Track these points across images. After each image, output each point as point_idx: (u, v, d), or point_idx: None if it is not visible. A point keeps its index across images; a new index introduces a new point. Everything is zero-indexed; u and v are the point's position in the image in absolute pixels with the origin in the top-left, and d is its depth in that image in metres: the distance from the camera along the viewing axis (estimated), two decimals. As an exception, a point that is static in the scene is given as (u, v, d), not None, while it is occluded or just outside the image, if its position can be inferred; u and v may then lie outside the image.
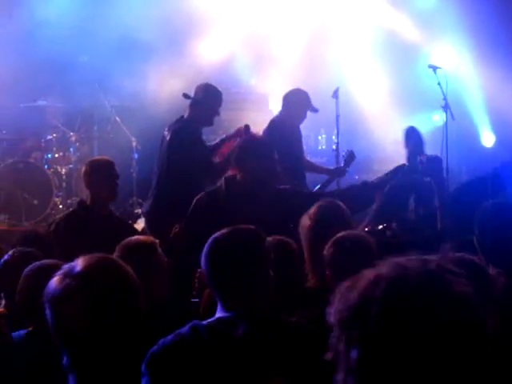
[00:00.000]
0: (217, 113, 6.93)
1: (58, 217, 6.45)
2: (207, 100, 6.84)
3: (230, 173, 5.67)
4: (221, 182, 5.57)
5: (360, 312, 1.37)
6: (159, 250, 4.13)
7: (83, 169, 6.11)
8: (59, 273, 2.26)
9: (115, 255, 3.47)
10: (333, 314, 1.42)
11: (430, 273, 1.40)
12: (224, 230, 3.08)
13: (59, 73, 10.00)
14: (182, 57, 10.12)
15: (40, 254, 4.17)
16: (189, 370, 2.74)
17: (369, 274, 1.41)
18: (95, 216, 5.80)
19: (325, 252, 3.69)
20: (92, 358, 2.22)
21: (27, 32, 9.91)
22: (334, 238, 3.70)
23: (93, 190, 5.86)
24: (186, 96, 6.94)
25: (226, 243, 3.01)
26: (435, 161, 5.05)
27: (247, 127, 6.84)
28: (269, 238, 3.27)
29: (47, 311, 2.24)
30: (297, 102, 7.60)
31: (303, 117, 7.68)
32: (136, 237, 4.37)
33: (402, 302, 1.36)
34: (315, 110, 7.66)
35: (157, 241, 4.23)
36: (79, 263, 2.25)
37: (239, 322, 2.86)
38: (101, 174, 5.85)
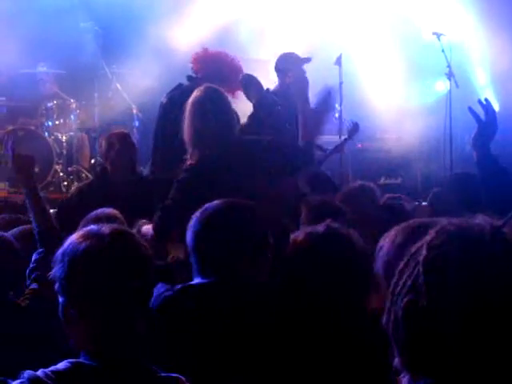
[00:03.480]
0: None
1: (79, 184, 6.61)
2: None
3: None
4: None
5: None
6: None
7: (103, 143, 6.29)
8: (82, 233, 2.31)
9: None
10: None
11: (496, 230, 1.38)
12: (218, 203, 3.14)
13: (59, 39, 9.90)
14: (181, 25, 10.00)
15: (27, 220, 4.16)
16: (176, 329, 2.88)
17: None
18: (117, 182, 5.95)
19: None
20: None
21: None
22: None
23: (112, 161, 6.04)
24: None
25: (220, 218, 3.08)
26: None
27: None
28: None
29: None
30: (289, 65, 7.44)
31: (303, 73, 7.51)
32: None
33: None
34: (308, 60, 7.49)
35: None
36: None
37: (220, 288, 2.97)
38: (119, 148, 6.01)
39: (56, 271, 2.26)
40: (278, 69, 7.54)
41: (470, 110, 3.79)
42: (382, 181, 10.16)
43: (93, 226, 2.34)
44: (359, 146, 10.23)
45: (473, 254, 1.34)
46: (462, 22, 11.19)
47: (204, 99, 4.66)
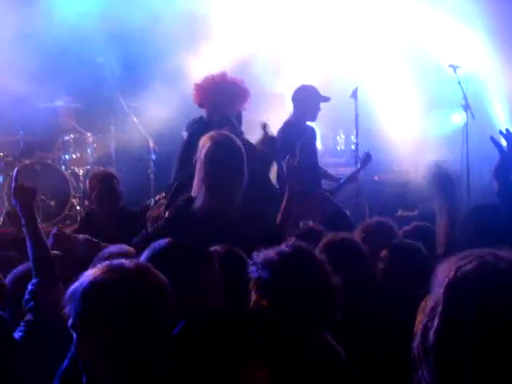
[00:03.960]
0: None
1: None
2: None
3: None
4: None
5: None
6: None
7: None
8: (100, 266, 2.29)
9: None
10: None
11: None
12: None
13: (77, 73, 9.97)
14: (198, 58, 10.05)
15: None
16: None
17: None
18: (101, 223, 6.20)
19: None
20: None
21: (45, 32, 9.87)
22: None
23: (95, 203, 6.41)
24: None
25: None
26: None
27: (265, 125, 6.72)
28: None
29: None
30: (306, 98, 7.41)
31: (317, 109, 7.44)
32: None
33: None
34: (326, 99, 7.46)
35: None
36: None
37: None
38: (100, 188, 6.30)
39: (74, 307, 2.21)
40: (294, 98, 7.52)
41: (492, 139, 3.77)
42: (399, 213, 10.12)
43: (113, 261, 2.30)
44: (376, 178, 10.20)
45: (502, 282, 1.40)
46: (478, 53, 11.19)
47: (214, 154, 4.55)
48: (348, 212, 7.72)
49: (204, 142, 4.62)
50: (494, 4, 10.78)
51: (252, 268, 3.02)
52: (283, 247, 3.05)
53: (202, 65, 9.66)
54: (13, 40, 9.74)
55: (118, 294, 2.18)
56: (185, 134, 6.64)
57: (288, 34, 11.24)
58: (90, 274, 2.24)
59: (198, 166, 4.58)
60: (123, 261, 2.29)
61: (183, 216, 4.52)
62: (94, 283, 2.19)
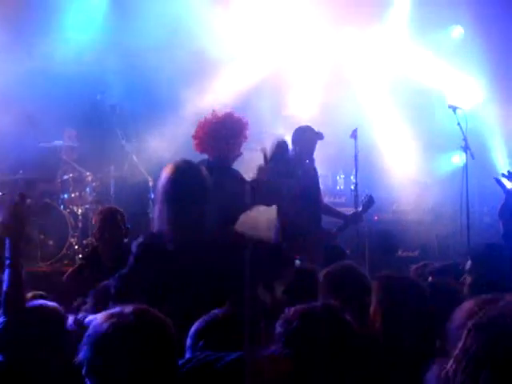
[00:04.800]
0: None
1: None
2: None
3: None
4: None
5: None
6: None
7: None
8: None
9: None
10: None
11: None
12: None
13: (76, 112, 10.00)
14: (200, 97, 10.08)
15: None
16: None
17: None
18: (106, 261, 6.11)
19: None
20: None
21: (45, 70, 9.91)
22: None
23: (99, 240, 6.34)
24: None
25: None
26: None
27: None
28: None
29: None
30: (304, 138, 7.53)
31: (313, 148, 7.58)
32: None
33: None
34: (321, 137, 7.57)
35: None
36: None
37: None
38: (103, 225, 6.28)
39: (83, 355, 2.24)
40: (293, 140, 7.59)
41: (497, 181, 3.76)
42: (400, 253, 10.08)
43: (116, 308, 2.36)
44: (375, 218, 10.17)
45: None
46: (477, 94, 11.25)
47: (173, 182, 4.24)
48: (348, 252, 7.68)
49: (164, 172, 4.30)
50: (490, 44, 10.86)
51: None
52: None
53: (203, 104, 9.71)
54: (12, 80, 9.78)
55: (119, 341, 2.24)
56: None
57: (288, 76, 11.31)
58: (95, 322, 2.32)
59: (158, 197, 4.29)
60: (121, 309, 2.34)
61: (151, 252, 4.21)
62: (98, 334, 2.26)
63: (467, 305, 2.23)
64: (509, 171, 3.88)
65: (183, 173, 4.26)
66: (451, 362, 1.57)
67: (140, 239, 4.28)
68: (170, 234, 4.19)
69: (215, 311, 3.17)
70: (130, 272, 4.22)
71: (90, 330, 2.27)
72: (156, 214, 4.32)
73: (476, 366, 1.47)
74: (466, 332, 1.53)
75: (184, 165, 4.32)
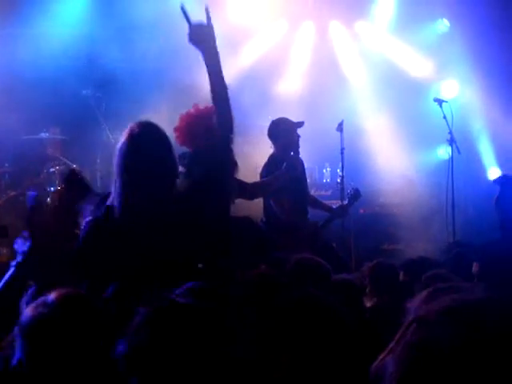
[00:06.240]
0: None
1: None
2: None
3: None
4: None
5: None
6: None
7: None
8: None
9: None
10: None
11: None
12: None
13: (61, 105, 9.97)
14: (189, 90, 10.07)
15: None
16: None
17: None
18: None
19: None
20: None
21: (31, 64, 9.87)
22: None
23: None
24: None
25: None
26: None
27: None
28: None
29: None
30: (281, 131, 7.36)
31: (295, 138, 7.37)
32: None
33: None
34: (300, 125, 7.37)
35: None
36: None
37: None
38: None
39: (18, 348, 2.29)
40: (270, 135, 7.50)
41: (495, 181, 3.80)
42: (385, 246, 10.12)
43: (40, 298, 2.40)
44: (361, 211, 10.20)
45: None
46: (464, 89, 11.29)
47: (130, 146, 3.95)
48: (334, 245, 7.70)
49: (122, 136, 4.02)
50: (477, 38, 10.90)
51: None
52: None
53: (193, 96, 9.68)
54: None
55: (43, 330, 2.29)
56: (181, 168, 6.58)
57: (274, 69, 11.32)
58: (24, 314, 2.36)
59: (114, 162, 4.02)
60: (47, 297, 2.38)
61: (100, 228, 3.95)
62: (25, 326, 2.31)
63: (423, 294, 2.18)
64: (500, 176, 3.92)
65: (142, 135, 3.93)
66: (385, 352, 1.53)
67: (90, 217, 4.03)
68: (122, 204, 3.90)
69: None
70: (79, 251, 3.97)
71: (20, 322, 2.30)
72: (113, 184, 4.01)
73: (410, 360, 1.43)
74: (406, 324, 1.48)
75: (143, 127, 3.98)
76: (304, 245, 6.86)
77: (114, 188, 3.96)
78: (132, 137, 3.90)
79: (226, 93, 4.04)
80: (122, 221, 3.88)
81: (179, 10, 3.96)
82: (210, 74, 4.00)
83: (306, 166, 7.80)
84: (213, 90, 4.00)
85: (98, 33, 10.46)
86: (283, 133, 7.34)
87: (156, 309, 2.06)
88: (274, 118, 7.59)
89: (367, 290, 4.64)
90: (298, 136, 7.35)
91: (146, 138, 3.92)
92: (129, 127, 3.96)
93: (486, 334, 1.38)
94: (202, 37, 3.97)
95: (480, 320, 1.41)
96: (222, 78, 4.02)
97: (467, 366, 1.36)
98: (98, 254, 3.87)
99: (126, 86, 10.19)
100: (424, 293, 2.06)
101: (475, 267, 4.52)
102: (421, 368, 1.39)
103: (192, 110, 6.09)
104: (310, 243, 7.03)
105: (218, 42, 4.02)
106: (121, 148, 3.96)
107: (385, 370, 1.46)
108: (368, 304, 4.41)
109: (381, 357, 1.52)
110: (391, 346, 1.49)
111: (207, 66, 4.00)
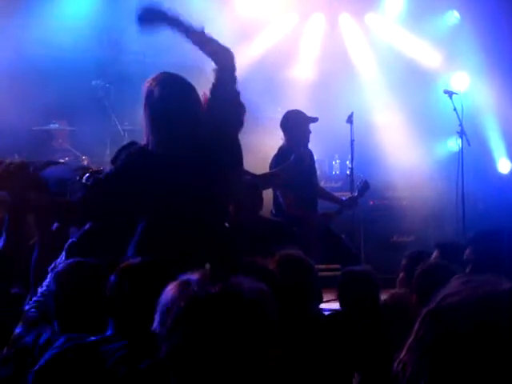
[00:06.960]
0: None
1: None
2: None
3: None
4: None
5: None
6: None
7: None
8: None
9: None
10: None
11: None
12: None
13: (71, 96, 9.97)
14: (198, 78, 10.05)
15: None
16: None
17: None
18: None
19: None
20: None
21: (40, 54, 9.88)
22: None
23: None
24: None
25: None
26: None
27: None
28: None
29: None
30: (294, 124, 7.31)
31: (306, 133, 7.35)
32: None
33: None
34: (314, 120, 7.33)
35: None
36: None
37: None
38: None
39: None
40: (282, 126, 7.47)
41: None
42: (395, 238, 10.10)
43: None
44: (371, 203, 10.19)
45: None
46: (474, 81, 11.24)
47: (160, 93, 4.18)
48: (343, 236, 7.69)
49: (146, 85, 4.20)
50: (488, 30, 10.85)
51: None
52: None
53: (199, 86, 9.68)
54: (6, 65, 9.76)
55: None
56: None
57: (284, 60, 11.30)
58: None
59: (144, 112, 4.18)
60: None
61: (137, 162, 3.98)
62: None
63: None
64: None
65: (169, 82, 4.23)
66: (404, 351, 1.51)
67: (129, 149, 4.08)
68: (156, 148, 4.00)
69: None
70: (109, 175, 3.98)
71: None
72: (144, 131, 4.13)
73: (429, 356, 1.43)
74: (420, 319, 1.47)
75: (168, 75, 4.33)
76: (311, 237, 6.86)
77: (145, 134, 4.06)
78: (160, 84, 4.14)
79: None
80: (164, 156, 3.95)
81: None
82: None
83: (315, 158, 7.78)
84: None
85: (109, 24, 10.46)
86: (295, 125, 7.30)
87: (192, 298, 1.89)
88: (287, 110, 7.56)
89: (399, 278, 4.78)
90: (309, 132, 7.33)
91: (174, 84, 4.21)
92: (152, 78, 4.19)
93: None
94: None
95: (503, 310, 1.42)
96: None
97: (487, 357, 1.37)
98: (136, 181, 3.88)
99: (134, 78, 10.19)
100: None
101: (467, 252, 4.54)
102: (439, 359, 1.39)
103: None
104: (318, 235, 7.02)
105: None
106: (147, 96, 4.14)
107: (407, 371, 1.46)
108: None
109: (401, 356, 1.50)
110: (409, 343, 1.48)
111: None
